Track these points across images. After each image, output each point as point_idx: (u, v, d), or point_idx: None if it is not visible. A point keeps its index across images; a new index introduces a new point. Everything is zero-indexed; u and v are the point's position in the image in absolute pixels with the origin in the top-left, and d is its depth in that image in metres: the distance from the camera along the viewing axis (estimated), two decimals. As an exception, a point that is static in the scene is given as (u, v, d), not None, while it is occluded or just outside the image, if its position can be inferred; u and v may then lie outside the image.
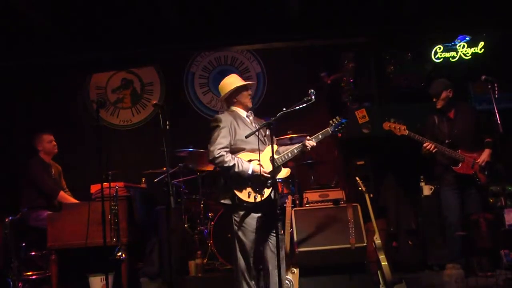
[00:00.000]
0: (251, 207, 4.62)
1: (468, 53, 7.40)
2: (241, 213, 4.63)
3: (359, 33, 7.29)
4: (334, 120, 4.96)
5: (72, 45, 7.01)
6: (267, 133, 4.85)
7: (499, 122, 5.30)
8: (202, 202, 6.89)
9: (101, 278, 5.67)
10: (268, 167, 4.64)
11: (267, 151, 4.74)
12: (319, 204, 6.23)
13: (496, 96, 5.43)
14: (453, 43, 7.41)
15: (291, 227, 5.79)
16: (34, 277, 6.01)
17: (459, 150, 5.70)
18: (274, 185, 4.57)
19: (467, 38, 7.38)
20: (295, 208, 6.01)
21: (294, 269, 5.47)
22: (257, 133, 4.67)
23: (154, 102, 5.07)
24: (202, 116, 8.42)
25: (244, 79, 8.29)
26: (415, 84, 7.40)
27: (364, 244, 5.79)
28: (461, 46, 7.40)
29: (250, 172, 4.57)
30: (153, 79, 8.62)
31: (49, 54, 7.11)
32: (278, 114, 4.61)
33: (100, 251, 5.02)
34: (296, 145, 4.84)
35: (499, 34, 7.33)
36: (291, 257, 5.67)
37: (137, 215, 5.83)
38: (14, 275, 5.79)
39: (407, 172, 6.98)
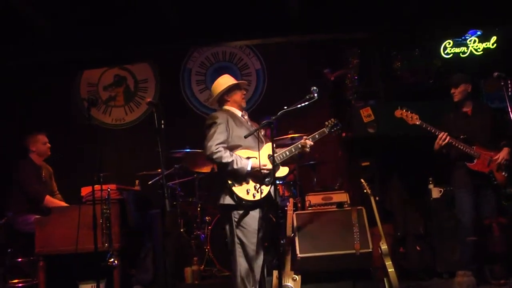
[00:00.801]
0: (250, 206, 4.63)
1: (479, 48, 7.38)
2: (241, 212, 4.64)
3: (363, 28, 7.29)
4: (329, 121, 5.03)
5: (63, 42, 7.02)
6: (264, 133, 4.94)
7: (512, 120, 5.27)
8: (199, 205, 6.89)
9: (92, 286, 5.65)
10: (266, 164, 4.68)
11: (265, 149, 4.78)
12: (322, 207, 6.23)
13: (510, 93, 5.42)
14: (463, 37, 7.39)
15: (293, 231, 5.78)
16: (20, 284, 5.98)
17: (474, 147, 5.68)
18: (273, 183, 4.60)
19: (479, 33, 7.36)
20: (296, 212, 6.02)
21: (296, 276, 5.45)
22: (252, 131, 4.72)
23: (149, 100, 5.05)
24: (199, 115, 8.41)
25: (243, 76, 8.46)
26: (423, 81, 7.38)
27: (370, 250, 5.79)
28: (472, 41, 7.37)
29: (249, 168, 4.60)
30: (147, 76, 8.61)
31: (40, 52, 7.12)
32: (279, 113, 4.61)
33: (91, 257, 5.01)
34: (294, 145, 4.88)
35: (513, 28, 7.33)
36: (293, 263, 5.66)
37: (130, 219, 5.81)
38: None
39: (415, 173, 6.97)
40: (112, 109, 8.56)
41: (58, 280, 5.82)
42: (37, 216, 5.73)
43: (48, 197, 6.02)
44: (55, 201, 6.07)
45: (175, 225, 6.59)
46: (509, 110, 5.30)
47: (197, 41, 7.49)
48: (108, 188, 5.59)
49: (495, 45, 7.39)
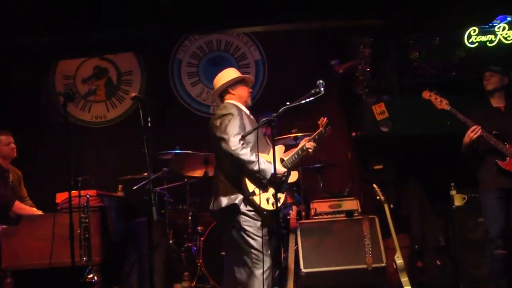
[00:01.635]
0: (266, 216, 4.62)
1: (509, 36, 7.36)
2: (259, 223, 4.60)
3: (375, 13, 7.27)
4: (321, 120, 5.12)
5: (34, 27, 6.97)
6: (264, 132, 4.95)
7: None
8: (190, 213, 6.88)
9: (68, 305, 5.63)
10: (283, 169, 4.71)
11: (276, 152, 4.68)
12: (329, 216, 6.26)
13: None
14: (490, 24, 7.38)
15: (296, 243, 5.78)
16: (-15, 304, 5.96)
17: (507, 145, 5.67)
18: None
19: (509, 19, 7.34)
20: (300, 221, 6.03)
21: (300, 294, 5.46)
22: (262, 133, 4.76)
23: (133, 94, 5.01)
24: (190, 112, 8.39)
25: (241, 67, 8.43)
26: (444, 74, 7.37)
27: (383, 264, 5.81)
28: (501, 28, 7.35)
29: (272, 171, 4.54)
30: (132, 67, 8.58)
31: (5, 38, 7.07)
32: (280, 109, 4.59)
33: (67, 272, 4.98)
34: (299, 147, 4.94)
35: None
36: (296, 279, 5.65)
37: (112, 229, 5.81)
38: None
39: (434, 178, 6.97)
40: (92, 104, 8.53)
41: (29, 299, 5.80)
42: (3, 226, 5.70)
43: (17, 203, 6.00)
44: (26, 208, 6.05)
45: (163, 236, 6.57)
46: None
47: (191, 27, 7.44)
48: (87, 194, 5.58)
49: (527, 33, 7.40)
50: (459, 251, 6.38)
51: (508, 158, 5.65)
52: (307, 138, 5.00)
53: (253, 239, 4.59)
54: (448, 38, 7.43)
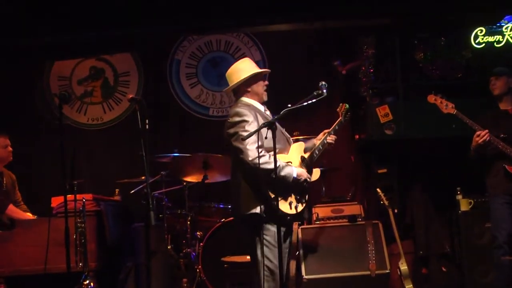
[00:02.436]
0: (288, 221, 4.58)
1: (517, 37, 7.40)
2: (274, 230, 4.49)
3: (379, 12, 7.26)
4: (340, 107, 5.07)
5: (29, 26, 6.97)
6: (284, 129, 4.87)
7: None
8: (189, 218, 6.87)
9: (63, 313, 5.62)
10: (305, 169, 4.68)
11: (295, 150, 4.74)
12: (331, 221, 6.26)
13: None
14: (498, 24, 7.38)
15: (298, 249, 5.78)
16: (-23, 312, 5.96)
17: None
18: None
19: (517, 19, 7.37)
20: (302, 226, 6.02)
21: (301, 301, 5.46)
22: (281, 129, 4.72)
23: (131, 96, 5.02)
24: (189, 114, 8.38)
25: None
26: (450, 76, 7.37)
27: (387, 271, 5.81)
28: (509, 28, 7.36)
29: (295, 175, 4.52)
30: (129, 68, 8.58)
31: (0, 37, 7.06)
32: (282, 112, 4.56)
33: (62, 279, 4.99)
34: (320, 143, 4.84)
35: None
36: (297, 286, 5.65)
37: (108, 234, 5.81)
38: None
39: (440, 182, 6.96)
40: (88, 106, 8.52)
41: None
42: (-4, 231, 5.71)
43: (11, 207, 5.99)
44: (19, 212, 6.04)
45: (161, 241, 6.56)
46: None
47: (190, 27, 7.43)
48: (83, 198, 5.58)
49: (536, 33, 7.40)
50: (465, 257, 6.37)
51: None
52: (326, 131, 4.90)
53: (270, 249, 4.52)
54: (454, 38, 7.44)
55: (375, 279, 5.75)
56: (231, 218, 6.49)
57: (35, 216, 6.09)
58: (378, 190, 6.03)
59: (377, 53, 7.59)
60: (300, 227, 5.91)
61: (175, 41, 8.53)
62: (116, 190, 6.74)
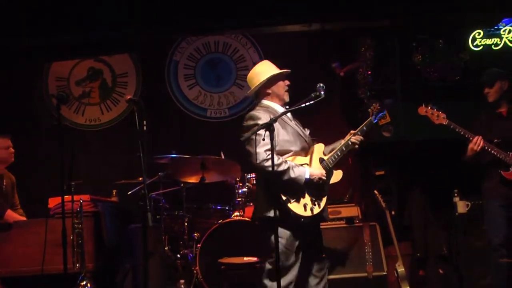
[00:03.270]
0: (303, 223, 4.55)
1: (514, 39, 7.42)
2: (288, 232, 4.53)
3: (378, 14, 7.27)
4: (373, 107, 5.00)
5: (27, 27, 6.96)
6: (307, 132, 4.85)
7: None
8: (187, 219, 6.88)
9: (60, 313, 5.62)
10: (322, 171, 4.64)
11: (314, 152, 4.73)
12: (328, 223, 6.22)
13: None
14: (496, 27, 7.40)
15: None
16: (-25, 312, 5.96)
17: (510, 153, 5.67)
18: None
19: (515, 21, 7.39)
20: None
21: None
22: (299, 131, 4.71)
23: (129, 97, 5.01)
24: (187, 115, 8.39)
25: (239, 70, 8.45)
26: (448, 78, 7.39)
27: (384, 273, 5.82)
28: (506, 31, 7.38)
29: (307, 177, 4.51)
30: (128, 69, 8.59)
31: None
32: (280, 113, 4.60)
33: (59, 280, 4.97)
34: (342, 142, 4.82)
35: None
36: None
37: (106, 235, 5.80)
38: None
39: (437, 184, 6.97)
40: (86, 107, 8.53)
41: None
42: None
43: (9, 212, 5.98)
44: (18, 217, 6.01)
45: (159, 242, 6.57)
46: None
47: (188, 28, 7.43)
48: (81, 199, 5.57)
49: (534, 36, 7.42)
50: (462, 259, 6.38)
51: (511, 168, 5.66)
52: (352, 132, 4.87)
53: (283, 252, 4.51)
54: (452, 41, 7.46)
55: (372, 281, 5.76)
56: (228, 220, 6.51)
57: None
58: (376, 192, 6.03)
59: (376, 55, 7.60)
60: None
61: (173, 42, 8.54)
62: (114, 191, 6.74)
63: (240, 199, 6.76)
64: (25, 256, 5.53)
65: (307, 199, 4.55)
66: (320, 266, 4.73)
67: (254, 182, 6.75)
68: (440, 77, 7.43)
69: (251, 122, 4.62)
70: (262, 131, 4.41)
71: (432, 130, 6.75)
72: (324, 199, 4.62)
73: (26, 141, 7.74)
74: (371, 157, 7.56)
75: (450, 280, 6.43)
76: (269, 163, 4.39)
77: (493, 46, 7.39)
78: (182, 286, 6.35)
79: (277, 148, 4.54)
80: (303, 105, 4.68)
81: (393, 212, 6.57)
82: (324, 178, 4.58)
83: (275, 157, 4.43)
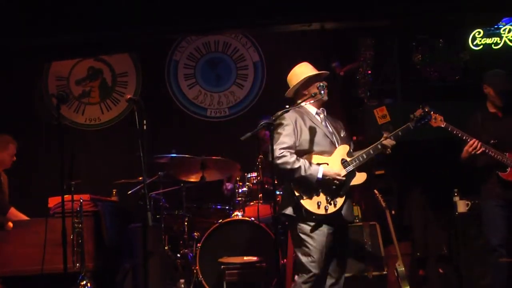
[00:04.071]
0: (321, 221, 4.58)
1: (514, 39, 7.41)
2: (308, 228, 4.58)
3: (378, 13, 7.26)
4: (417, 112, 4.96)
5: (27, 26, 6.96)
6: (342, 135, 4.88)
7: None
8: (187, 219, 6.87)
9: (60, 313, 5.62)
10: (340, 172, 4.64)
11: (337, 153, 4.72)
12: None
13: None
14: (496, 26, 7.39)
15: (294, 250, 5.77)
16: (-25, 312, 5.96)
17: (507, 154, 5.66)
18: (349, 193, 4.63)
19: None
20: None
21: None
22: (327, 132, 4.74)
23: (129, 96, 5.01)
24: (187, 114, 8.40)
25: (239, 69, 8.44)
26: (448, 77, 7.38)
27: (384, 272, 5.80)
28: (506, 30, 7.38)
29: (320, 176, 4.54)
30: (127, 69, 8.60)
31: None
32: (279, 113, 4.60)
33: (59, 279, 4.97)
34: (373, 146, 4.82)
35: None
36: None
37: (106, 234, 5.81)
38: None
39: (437, 184, 6.96)
40: (85, 106, 8.53)
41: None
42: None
43: (12, 210, 5.99)
44: (20, 216, 6.02)
45: (159, 242, 6.57)
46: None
47: (182, 24, 7.41)
48: (81, 198, 5.58)
49: (534, 35, 7.41)
50: (462, 259, 6.38)
51: (509, 168, 5.64)
52: (386, 135, 4.87)
53: (300, 247, 4.62)
54: (452, 40, 7.45)
55: (372, 281, 5.74)
56: (228, 219, 6.51)
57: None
58: (376, 191, 6.02)
59: (376, 55, 7.60)
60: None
61: (173, 41, 8.54)
62: (114, 190, 6.75)
63: (240, 198, 6.76)
64: (25, 255, 5.54)
65: (321, 198, 4.57)
66: (338, 267, 4.74)
67: (254, 181, 6.77)
68: (440, 77, 7.43)
69: (277, 122, 4.70)
70: (286, 128, 4.59)
71: (432, 130, 6.75)
72: (342, 199, 4.60)
73: (26, 141, 7.75)
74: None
75: (450, 279, 6.43)
76: (280, 160, 4.53)
77: (493, 45, 7.39)
78: (182, 285, 6.35)
79: (298, 148, 4.65)
80: (302, 104, 4.71)
81: (393, 212, 6.56)
82: (339, 178, 4.58)
83: (289, 155, 4.55)
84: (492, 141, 5.67)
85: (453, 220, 6.54)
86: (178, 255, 6.76)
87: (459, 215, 6.48)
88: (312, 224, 4.57)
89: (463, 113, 5.92)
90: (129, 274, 6.06)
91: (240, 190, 6.80)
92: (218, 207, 7.08)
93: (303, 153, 4.67)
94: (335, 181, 4.58)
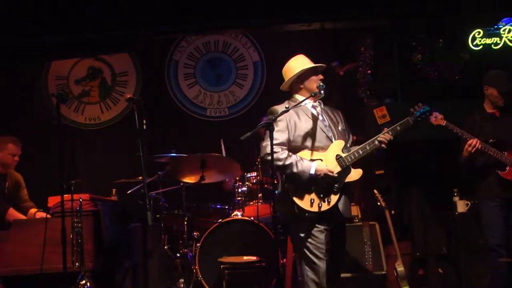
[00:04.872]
0: (315, 218, 4.54)
1: (514, 39, 7.41)
2: (304, 227, 4.55)
3: (377, 13, 7.26)
4: (416, 107, 4.88)
5: (27, 26, 6.96)
6: (340, 128, 4.82)
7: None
8: (186, 218, 6.87)
9: (59, 313, 5.62)
10: (334, 168, 4.58)
11: (332, 149, 4.67)
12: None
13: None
14: (496, 26, 7.39)
15: (293, 249, 5.77)
16: (-25, 311, 5.95)
17: (505, 153, 5.66)
18: (343, 190, 4.57)
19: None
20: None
21: (298, 302, 5.45)
22: (323, 126, 4.68)
23: (128, 96, 5.02)
24: (187, 114, 8.39)
25: (238, 69, 8.44)
26: (448, 77, 7.38)
27: (384, 272, 5.80)
28: (506, 30, 7.38)
29: (312, 172, 4.49)
30: (127, 68, 8.59)
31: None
32: (279, 113, 4.59)
33: (59, 279, 4.97)
34: (369, 141, 4.78)
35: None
36: (294, 286, 5.65)
37: (105, 234, 5.80)
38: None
39: (437, 183, 6.96)
40: (85, 106, 8.52)
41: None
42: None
43: (11, 211, 5.99)
44: (19, 216, 6.01)
45: (158, 241, 6.57)
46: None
47: (182, 24, 7.41)
48: (80, 198, 5.57)
49: (534, 35, 7.41)
50: (462, 259, 6.38)
51: (508, 167, 5.64)
52: (386, 129, 4.82)
53: (298, 245, 4.63)
54: (452, 40, 7.45)
55: (372, 280, 5.75)
56: (228, 219, 6.50)
57: (42, 212, 6.07)
58: (375, 191, 6.02)
59: (375, 54, 7.60)
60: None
61: (173, 41, 8.54)
62: (113, 190, 6.75)
63: (239, 198, 6.76)
64: (24, 255, 5.52)
65: (314, 195, 4.53)
66: (334, 265, 4.69)
67: (254, 181, 6.77)
68: (440, 76, 7.43)
69: (270, 116, 4.63)
70: (279, 124, 4.54)
71: (432, 130, 6.76)
72: (336, 197, 4.55)
73: (26, 141, 7.75)
74: (371, 155, 7.55)
75: (450, 279, 6.42)
76: (274, 156, 4.42)
77: (493, 45, 7.38)
78: (182, 285, 6.35)
79: (292, 144, 4.61)
80: (302, 103, 4.70)
81: (392, 212, 6.55)
82: (331, 174, 4.52)
83: (280, 151, 4.50)
84: (491, 140, 5.67)
85: (453, 220, 6.55)
86: (178, 254, 6.76)
87: (459, 215, 6.49)
88: (305, 226, 4.54)
89: (463, 112, 5.93)
90: (128, 274, 6.07)
91: (239, 190, 6.80)
92: (218, 206, 7.08)
93: (298, 149, 4.62)
94: (327, 177, 4.52)
